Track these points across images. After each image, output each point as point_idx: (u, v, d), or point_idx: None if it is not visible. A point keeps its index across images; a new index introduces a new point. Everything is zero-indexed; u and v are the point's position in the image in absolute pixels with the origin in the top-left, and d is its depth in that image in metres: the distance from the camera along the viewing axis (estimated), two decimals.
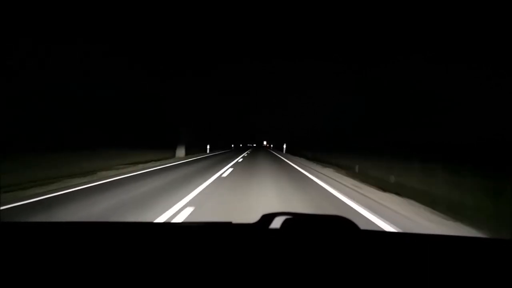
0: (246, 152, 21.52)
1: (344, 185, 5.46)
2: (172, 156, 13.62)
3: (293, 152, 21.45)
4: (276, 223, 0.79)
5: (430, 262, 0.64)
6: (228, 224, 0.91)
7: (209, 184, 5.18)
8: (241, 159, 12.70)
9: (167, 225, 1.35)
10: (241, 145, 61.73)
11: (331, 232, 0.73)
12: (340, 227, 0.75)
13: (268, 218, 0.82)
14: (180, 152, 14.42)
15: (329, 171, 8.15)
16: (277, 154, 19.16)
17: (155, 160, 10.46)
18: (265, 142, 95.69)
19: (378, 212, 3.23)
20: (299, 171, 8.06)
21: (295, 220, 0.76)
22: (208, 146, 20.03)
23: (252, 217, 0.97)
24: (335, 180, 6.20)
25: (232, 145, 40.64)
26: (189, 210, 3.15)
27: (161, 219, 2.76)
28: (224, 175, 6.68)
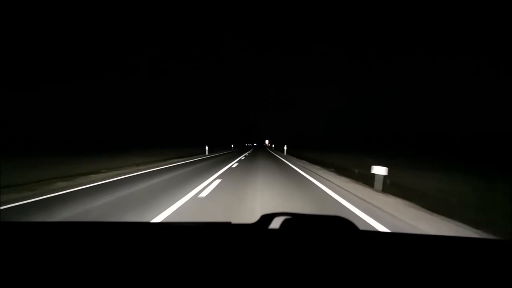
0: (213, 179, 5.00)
1: None
2: None
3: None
4: (276, 223, 0.78)
5: (430, 263, 0.63)
6: (227, 224, 0.91)
7: None
8: None
9: (166, 225, 1.34)
10: (232, 146, 35.70)
11: (330, 232, 0.72)
12: (339, 227, 0.74)
13: (267, 218, 0.81)
14: None
15: None
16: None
17: None
18: (267, 141, 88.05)
19: None
20: None
21: (294, 221, 0.75)
22: None
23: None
24: None
25: (206, 147, 17.03)
26: None
27: None
28: None
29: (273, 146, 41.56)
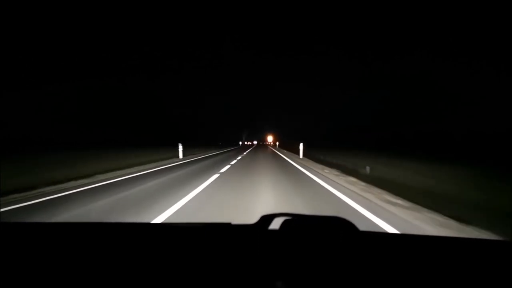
0: None
1: None
2: None
3: None
4: (275, 224, 0.78)
5: (431, 264, 0.63)
6: (227, 225, 0.91)
7: None
8: None
9: (166, 225, 1.34)
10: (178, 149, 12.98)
11: (330, 233, 0.72)
12: (339, 228, 0.74)
13: (267, 219, 0.81)
14: None
15: None
16: None
17: None
18: (270, 139, 72.06)
19: None
20: None
21: (294, 221, 0.75)
22: None
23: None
24: None
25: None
26: None
27: None
28: None
29: (300, 146, 14.50)
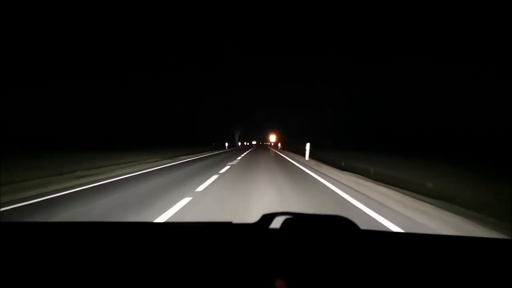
0: None
1: None
2: None
3: None
4: (276, 223, 0.78)
5: (431, 263, 0.63)
6: (228, 224, 0.91)
7: None
8: None
9: (166, 225, 1.34)
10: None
11: (331, 232, 0.72)
12: (340, 227, 0.74)
13: (268, 218, 0.81)
14: None
15: None
16: None
17: None
18: (273, 138, 64.03)
19: None
20: None
21: (295, 220, 0.75)
22: None
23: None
24: None
25: None
26: None
27: None
28: None
29: None
